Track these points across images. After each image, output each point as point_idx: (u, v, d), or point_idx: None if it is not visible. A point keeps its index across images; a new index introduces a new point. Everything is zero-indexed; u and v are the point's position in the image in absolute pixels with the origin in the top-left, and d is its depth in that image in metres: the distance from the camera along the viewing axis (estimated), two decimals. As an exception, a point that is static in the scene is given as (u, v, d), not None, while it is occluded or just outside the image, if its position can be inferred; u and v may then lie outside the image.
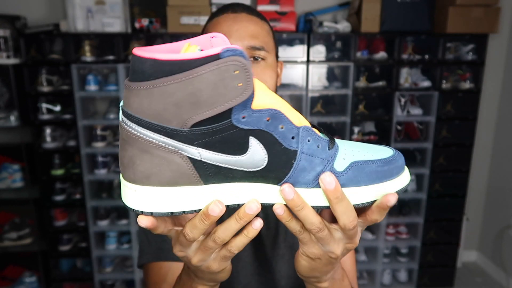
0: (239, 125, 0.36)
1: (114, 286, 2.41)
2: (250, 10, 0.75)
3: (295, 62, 2.16)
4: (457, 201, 2.45)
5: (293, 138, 0.38)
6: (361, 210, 0.44)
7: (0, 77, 2.15)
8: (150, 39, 2.19)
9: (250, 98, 0.36)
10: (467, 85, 2.28)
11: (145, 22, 2.10)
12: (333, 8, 2.37)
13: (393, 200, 0.41)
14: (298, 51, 2.19)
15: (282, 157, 0.38)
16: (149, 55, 0.33)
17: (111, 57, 2.10)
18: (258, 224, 0.41)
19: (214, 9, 2.11)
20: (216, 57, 0.33)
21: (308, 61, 2.16)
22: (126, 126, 0.36)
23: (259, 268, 0.77)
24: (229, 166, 0.37)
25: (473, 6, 2.11)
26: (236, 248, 0.43)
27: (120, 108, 0.37)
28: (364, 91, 2.25)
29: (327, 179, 0.38)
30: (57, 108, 2.16)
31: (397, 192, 0.42)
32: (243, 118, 0.36)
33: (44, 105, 2.12)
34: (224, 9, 0.74)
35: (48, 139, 2.16)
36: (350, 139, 2.27)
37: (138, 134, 0.35)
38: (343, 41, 2.25)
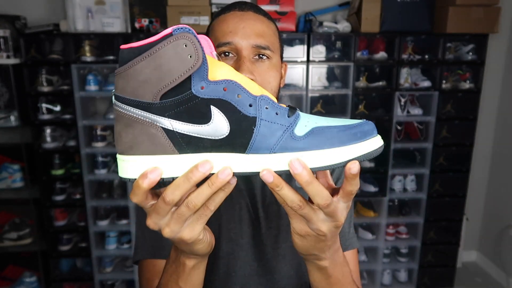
0: (199, 95, 0.41)
1: (114, 286, 2.41)
2: (258, 9, 0.75)
3: (295, 62, 2.16)
4: (457, 201, 2.45)
5: (250, 105, 0.42)
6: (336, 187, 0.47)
7: (0, 77, 2.15)
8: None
9: (204, 70, 0.41)
10: (467, 85, 2.28)
11: (145, 22, 2.10)
12: (333, 8, 2.37)
13: (354, 168, 0.41)
14: (298, 51, 2.19)
15: (242, 123, 0.42)
16: (128, 45, 0.40)
17: (111, 57, 2.10)
18: (233, 180, 0.43)
19: (214, 9, 2.11)
20: (170, 35, 0.39)
21: (308, 61, 2.16)
22: (115, 106, 0.42)
23: (258, 268, 0.77)
24: (197, 135, 0.42)
25: (473, 6, 2.11)
26: (214, 205, 0.44)
27: (112, 93, 0.43)
28: (364, 91, 2.25)
29: (295, 164, 0.41)
30: (57, 108, 2.16)
31: (364, 158, 0.42)
32: (202, 88, 0.41)
33: (44, 105, 2.12)
34: (231, 7, 0.73)
35: (48, 139, 2.16)
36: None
37: (123, 111, 0.42)
38: (343, 41, 2.25)
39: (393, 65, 2.21)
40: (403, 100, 2.30)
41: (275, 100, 0.44)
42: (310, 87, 2.19)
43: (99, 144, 2.18)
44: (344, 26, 2.20)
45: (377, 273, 2.47)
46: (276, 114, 0.43)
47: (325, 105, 2.33)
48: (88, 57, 2.08)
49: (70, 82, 2.08)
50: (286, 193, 0.43)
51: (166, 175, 0.42)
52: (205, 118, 0.41)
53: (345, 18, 2.29)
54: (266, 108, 0.43)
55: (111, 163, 2.29)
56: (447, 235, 2.51)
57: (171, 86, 0.40)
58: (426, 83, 2.24)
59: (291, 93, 2.27)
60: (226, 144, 0.42)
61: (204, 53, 0.40)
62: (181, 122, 0.41)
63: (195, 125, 0.41)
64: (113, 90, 0.42)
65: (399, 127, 2.35)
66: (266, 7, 2.11)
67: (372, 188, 2.36)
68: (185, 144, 0.42)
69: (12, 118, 2.14)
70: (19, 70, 2.07)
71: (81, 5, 2.01)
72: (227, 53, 0.70)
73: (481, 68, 2.26)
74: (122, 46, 0.40)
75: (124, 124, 0.42)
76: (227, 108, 0.41)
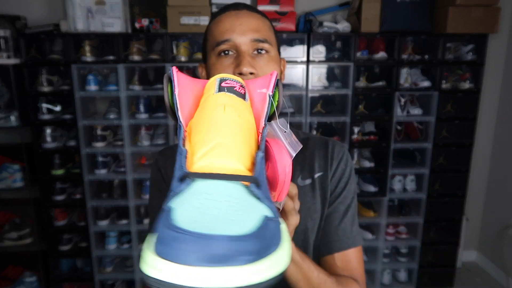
0: None
1: (114, 286, 2.41)
2: (251, 8, 0.77)
3: (295, 62, 2.16)
4: (457, 201, 2.45)
5: None
6: None
7: (0, 77, 2.15)
8: (150, 39, 2.19)
9: None
10: (467, 85, 2.28)
11: (145, 22, 2.10)
12: (333, 8, 2.37)
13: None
14: (298, 51, 2.19)
15: None
16: None
17: (111, 57, 2.10)
18: None
19: (214, 9, 2.12)
20: None
21: (308, 61, 2.16)
22: None
23: None
24: None
25: (473, 6, 2.11)
26: None
27: None
28: (364, 91, 2.25)
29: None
30: (57, 108, 2.16)
31: None
32: None
33: (44, 105, 2.12)
34: (226, 9, 0.76)
35: (48, 139, 2.16)
36: (350, 139, 2.27)
37: None
38: (343, 41, 2.25)
39: (393, 65, 2.21)
40: (403, 100, 2.30)
41: None
42: (310, 87, 2.19)
43: (99, 144, 2.18)
44: (344, 26, 2.20)
45: (377, 273, 2.47)
46: None
47: (325, 105, 2.33)
48: (88, 57, 2.08)
49: (70, 82, 2.08)
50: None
51: None
52: None
53: (345, 18, 2.29)
54: None
55: (111, 163, 2.29)
56: (447, 235, 2.52)
57: None
58: (426, 83, 2.24)
59: (291, 93, 2.27)
60: None
61: None
62: None
63: None
64: None
65: (399, 127, 2.35)
66: (266, 7, 2.11)
67: (372, 188, 2.36)
68: None
69: (12, 118, 2.14)
70: (19, 70, 2.07)
71: (81, 5, 2.01)
72: (226, 52, 0.71)
73: (481, 68, 2.26)
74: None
75: None
76: None
